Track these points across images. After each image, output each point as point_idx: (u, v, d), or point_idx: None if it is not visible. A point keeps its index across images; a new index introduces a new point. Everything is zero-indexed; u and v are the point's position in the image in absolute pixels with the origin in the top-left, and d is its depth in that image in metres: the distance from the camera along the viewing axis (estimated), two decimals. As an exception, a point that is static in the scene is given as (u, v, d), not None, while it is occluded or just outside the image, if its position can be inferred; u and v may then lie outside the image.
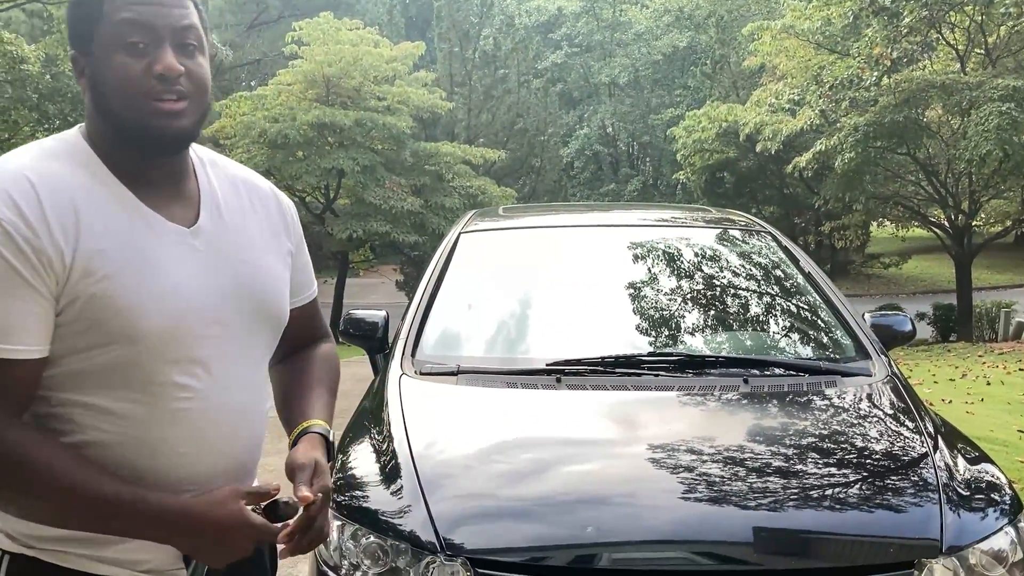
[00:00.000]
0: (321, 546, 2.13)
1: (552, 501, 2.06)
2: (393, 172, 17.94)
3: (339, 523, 2.09)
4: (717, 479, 2.10)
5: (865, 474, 2.20)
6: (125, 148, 1.30)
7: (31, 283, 1.17)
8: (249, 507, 1.28)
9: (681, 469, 2.16)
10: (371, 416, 2.56)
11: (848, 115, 14.38)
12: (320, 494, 1.37)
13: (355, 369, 10.26)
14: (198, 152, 1.42)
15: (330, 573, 2.04)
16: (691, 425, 2.41)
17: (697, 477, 2.12)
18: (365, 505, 2.13)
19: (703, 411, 2.51)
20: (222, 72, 32.96)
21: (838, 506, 2.04)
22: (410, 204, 17.33)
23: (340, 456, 2.37)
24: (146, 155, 1.32)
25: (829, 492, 2.08)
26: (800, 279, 3.21)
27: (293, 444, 1.49)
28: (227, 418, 1.36)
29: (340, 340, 3.41)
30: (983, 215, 17.61)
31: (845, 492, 2.09)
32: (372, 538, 2.02)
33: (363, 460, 2.32)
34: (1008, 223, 18.39)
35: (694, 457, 2.22)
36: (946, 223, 16.93)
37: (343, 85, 17.66)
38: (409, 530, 1.98)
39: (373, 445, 2.37)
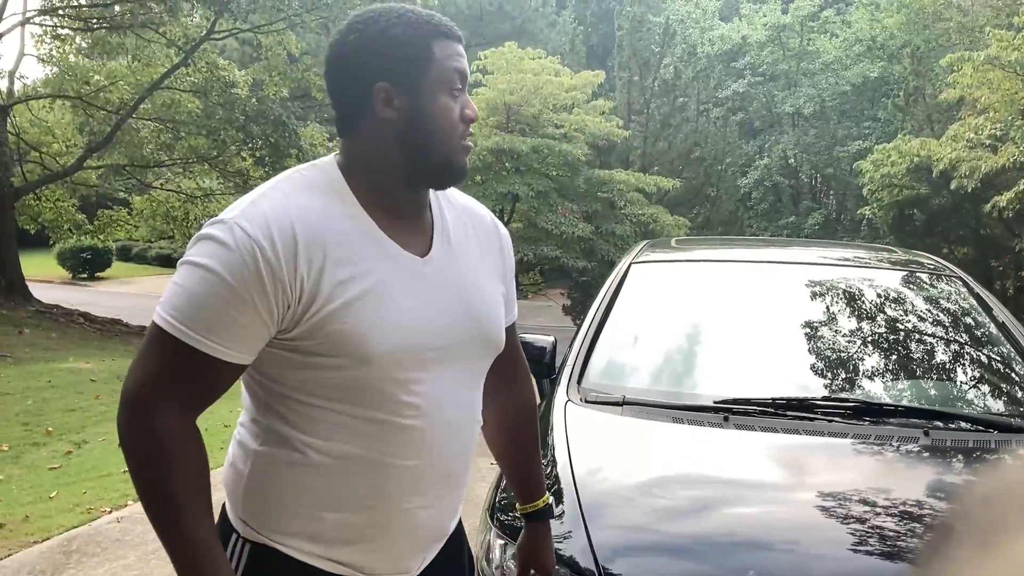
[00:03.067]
0: (484, 562, 2.21)
1: (714, 541, 2.04)
2: (566, 198, 18.17)
3: (501, 542, 2.16)
4: (890, 534, 2.02)
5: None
6: (394, 182, 1.42)
7: (257, 306, 1.28)
8: None
9: (851, 520, 2.09)
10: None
11: (1058, 152, 13.31)
12: None
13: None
14: None
15: (492, 591, 2.11)
16: (864, 475, 2.31)
17: (868, 530, 2.04)
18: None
19: (878, 462, 2.41)
20: (409, 98, 34.40)
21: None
22: (581, 230, 17.48)
23: (501, 484, 2.44)
24: (422, 188, 1.46)
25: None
26: (992, 328, 3.02)
27: (528, 514, 1.87)
28: (447, 434, 1.45)
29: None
30: None
31: None
32: (533, 559, 2.07)
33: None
34: None
35: (865, 508, 2.13)
36: None
37: (523, 112, 18.10)
38: (569, 555, 2.02)
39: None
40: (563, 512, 2.15)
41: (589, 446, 2.46)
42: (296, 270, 1.29)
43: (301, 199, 1.34)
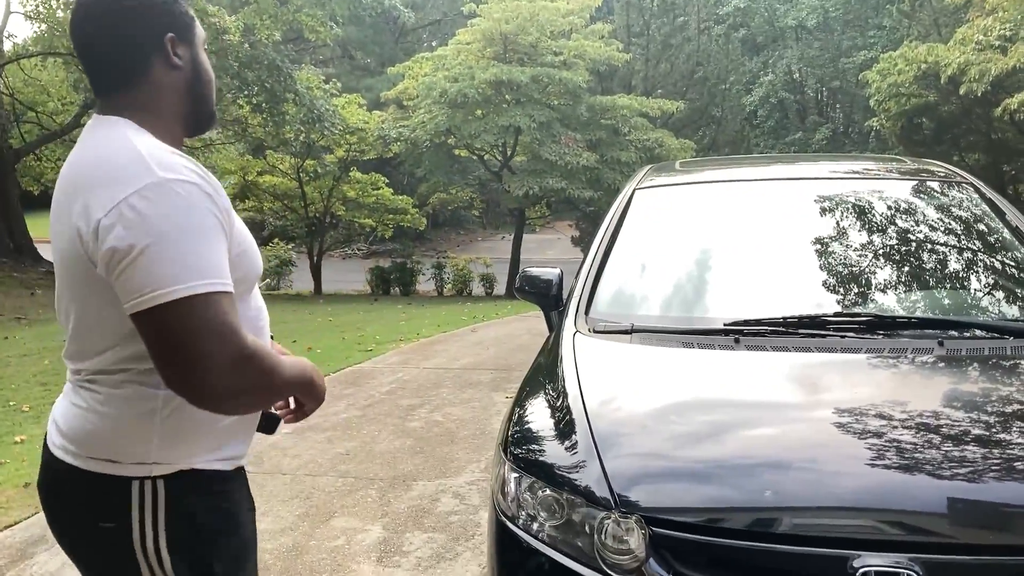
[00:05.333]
0: (499, 495, 2.21)
1: (730, 464, 2.02)
2: (569, 127, 17.96)
3: (516, 475, 2.15)
4: (908, 446, 1.99)
5: (1078, 446, 2.01)
6: (179, 129, 1.59)
7: (225, 233, 1.44)
8: None
9: (868, 435, 2.06)
10: (546, 372, 2.60)
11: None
12: None
13: (531, 324, 10.46)
14: None
15: (508, 523, 2.11)
16: (880, 389, 2.28)
17: (886, 443, 2.01)
18: (541, 459, 2.17)
19: (893, 375, 2.37)
20: (404, 34, 33.90)
21: None
22: (585, 159, 17.31)
23: (516, 409, 2.43)
24: (189, 135, 1.62)
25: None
26: (1006, 233, 2.95)
27: None
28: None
29: (516, 296, 3.48)
30: None
31: None
32: (548, 491, 2.06)
33: (538, 415, 2.36)
34: None
35: (883, 423, 2.10)
36: None
37: (520, 42, 17.78)
38: (584, 485, 2.01)
39: (548, 400, 2.41)
40: (576, 443, 2.14)
41: (599, 376, 2.44)
42: (223, 198, 1.46)
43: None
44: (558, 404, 2.35)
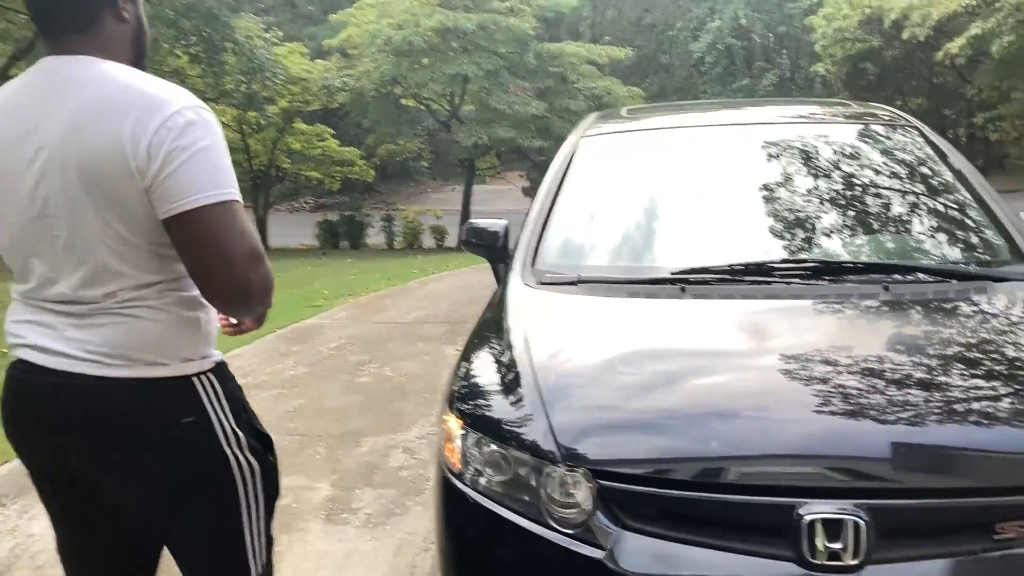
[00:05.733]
0: (445, 451, 2.18)
1: (677, 414, 2.00)
2: (517, 76, 17.76)
3: (462, 432, 2.11)
4: (854, 392, 1.99)
5: (1016, 387, 2.03)
6: None
7: None
8: None
9: (815, 381, 2.05)
10: (492, 326, 2.56)
11: (1010, -8, 13.13)
12: None
13: (482, 276, 10.41)
14: None
15: (454, 480, 2.07)
16: (825, 335, 2.28)
17: (832, 390, 2.01)
18: (487, 414, 2.13)
19: (839, 320, 2.37)
20: (348, -20, 33.03)
21: (987, 421, 1.90)
22: (534, 108, 17.16)
23: (463, 364, 2.38)
24: None
25: (976, 407, 1.94)
26: (949, 176, 2.96)
27: None
28: None
29: (462, 249, 3.42)
30: None
31: (995, 406, 1.94)
32: (494, 447, 2.03)
33: (485, 370, 2.32)
34: None
35: (829, 369, 2.10)
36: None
37: (465, -13, 17.44)
38: (530, 440, 1.98)
39: (494, 355, 2.36)
40: (522, 397, 2.10)
41: (545, 328, 2.40)
42: None
43: None
44: (504, 358, 2.31)
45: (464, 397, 2.23)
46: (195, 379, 1.63)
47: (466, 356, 2.44)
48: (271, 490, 1.78)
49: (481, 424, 2.10)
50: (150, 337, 1.59)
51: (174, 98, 1.51)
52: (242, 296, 1.55)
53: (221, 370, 1.69)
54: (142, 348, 1.58)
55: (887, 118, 3.41)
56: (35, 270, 1.60)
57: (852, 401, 1.96)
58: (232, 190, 1.52)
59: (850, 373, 2.07)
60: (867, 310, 2.36)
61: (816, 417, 1.93)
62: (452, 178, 24.27)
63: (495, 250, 3.21)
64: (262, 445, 1.73)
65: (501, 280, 2.99)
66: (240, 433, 1.67)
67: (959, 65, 16.92)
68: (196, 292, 1.59)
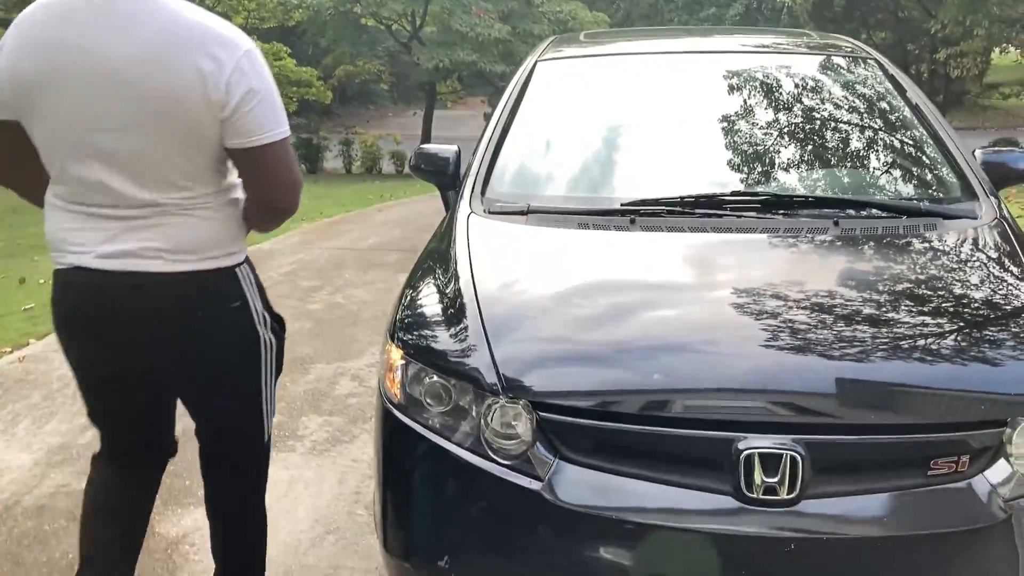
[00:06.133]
0: (386, 382, 2.14)
1: (620, 347, 1.97)
2: (480, -3, 17.30)
3: (403, 362, 2.07)
4: (799, 327, 1.98)
5: (961, 324, 2.03)
6: None
7: None
8: None
9: (760, 316, 2.03)
10: (438, 255, 2.49)
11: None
12: None
13: (440, 204, 10.26)
14: None
15: (394, 410, 2.03)
16: (774, 270, 2.26)
17: (777, 324, 2.00)
18: (429, 345, 2.09)
19: (788, 255, 2.35)
20: None
21: (929, 358, 1.90)
22: (497, 31, 16.79)
23: (407, 292, 2.33)
24: None
25: (921, 343, 1.93)
26: (906, 112, 2.92)
27: None
28: None
29: (411, 174, 3.33)
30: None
31: (938, 343, 1.94)
32: (435, 378, 1.99)
33: (428, 299, 2.27)
34: None
35: (775, 304, 2.08)
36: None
37: (427, -98, 16.84)
38: (472, 372, 1.94)
39: (438, 285, 2.31)
40: (465, 328, 2.06)
41: (492, 259, 2.34)
42: None
43: None
44: (448, 288, 2.25)
45: (407, 327, 2.19)
46: (237, 270, 1.95)
47: (410, 284, 2.38)
48: (280, 361, 2.13)
49: (423, 354, 2.06)
50: (205, 235, 1.86)
51: (239, 38, 1.75)
52: (283, 214, 1.95)
53: (249, 262, 2.02)
54: (199, 245, 1.85)
55: (848, 49, 3.34)
56: (83, 174, 1.76)
57: (797, 336, 1.95)
58: (287, 127, 1.82)
59: (796, 308, 2.06)
60: (817, 245, 2.34)
61: (760, 351, 1.92)
62: (413, 102, 23.81)
63: (445, 176, 3.12)
64: (278, 325, 2.09)
65: (450, 208, 2.92)
66: (266, 314, 2.03)
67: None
68: (239, 195, 1.92)
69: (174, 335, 1.89)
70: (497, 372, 1.91)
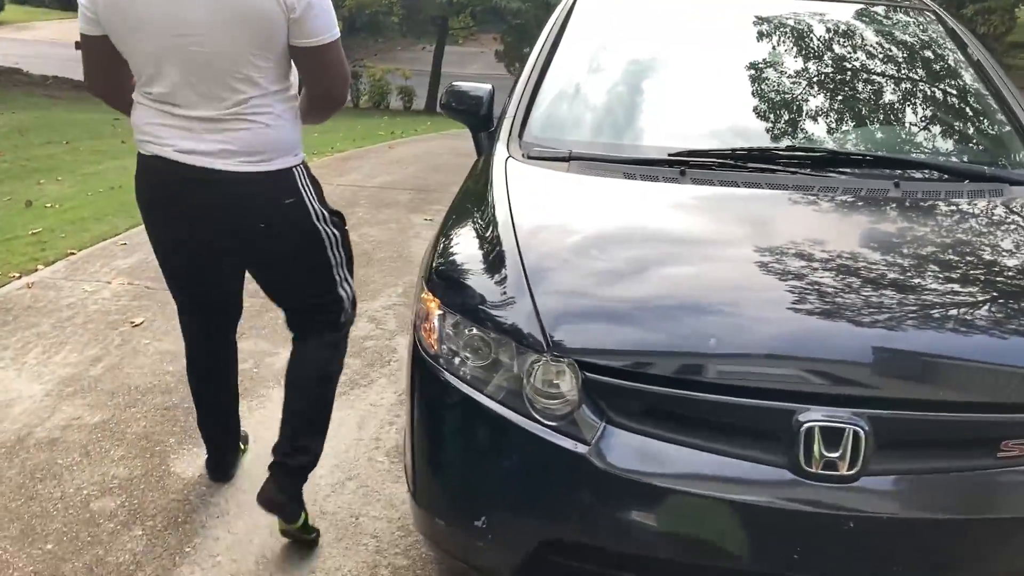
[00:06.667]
0: (421, 331, 2.05)
1: (675, 306, 1.87)
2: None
3: (440, 312, 1.98)
4: (866, 296, 1.87)
5: (1027, 298, 1.93)
6: None
7: None
8: None
9: (825, 281, 1.92)
10: (475, 200, 2.38)
11: None
12: None
13: (452, 143, 10.09)
14: None
15: (430, 361, 1.94)
16: (834, 232, 2.12)
17: (843, 291, 1.88)
18: (468, 295, 1.99)
19: (848, 216, 2.22)
20: None
21: (1004, 335, 1.77)
22: (515, -34, 16.32)
23: (442, 239, 2.22)
24: None
25: (993, 318, 1.81)
26: (968, 69, 2.78)
27: None
28: None
29: (437, 111, 3.19)
30: None
31: (1012, 320, 1.81)
32: (474, 330, 1.90)
33: (466, 246, 2.16)
34: None
35: (840, 269, 1.97)
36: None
37: None
38: (513, 325, 1.84)
39: (476, 231, 2.20)
40: (506, 278, 1.96)
41: (533, 206, 2.23)
42: None
43: None
44: (487, 235, 2.14)
45: (443, 275, 2.09)
46: (294, 170, 2.24)
47: (445, 230, 2.28)
48: (348, 250, 2.45)
49: (461, 305, 1.96)
50: (269, 138, 2.16)
51: None
52: (337, 103, 2.30)
53: (306, 164, 2.31)
54: (264, 147, 2.16)
55: (907, 1, 3.18)
56: (168, 77, 2.08)
57: (863, 305, 1.84)
58: (338, 28, 2.15)
59: (861, 275, 1.95)
60: (878, 207, 2.22)
61: (824, 320, 1.82)
62: (424, 36, 23.30)
63: (477, 117, 2.98)
64: (338, 219, 2.41)
65: (483, 151, 2.79)
66: (323, 211, 2.32)
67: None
68: (295, 103, 2.24)
69: (236, 222, 2.22)
70: (541, 326, 1.81)
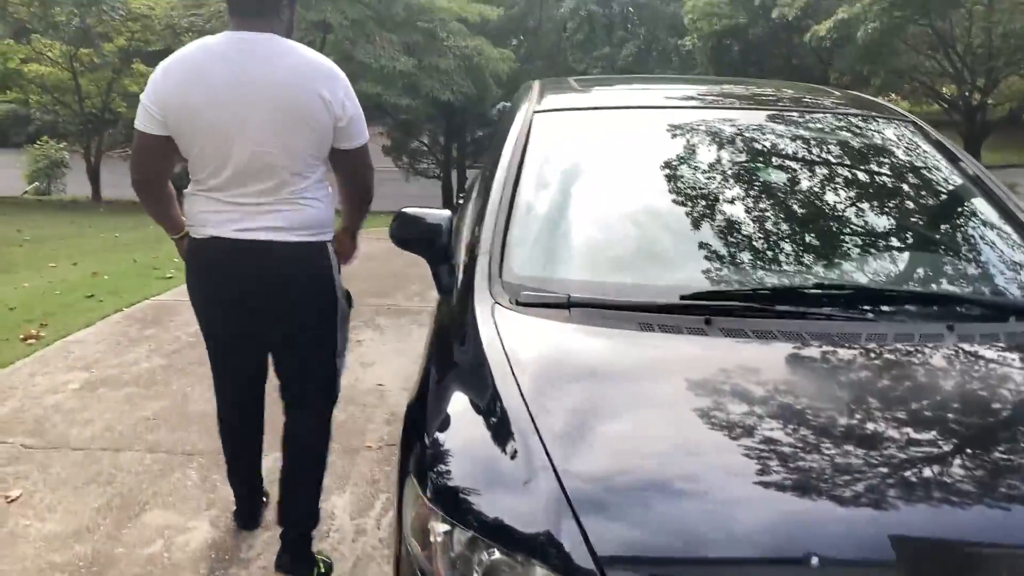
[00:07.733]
0: (419, 554, 1.58)
1: (755, 519, 1.47)
2: (384, 28, 16.71)
3: (446, 526, 1.52)
4: (951, 477, 1.53)
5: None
6: None
7: None
8: None
9: (904, 457, 1.58)
10: (467, 371, 1.92)
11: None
12: None
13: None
14: None
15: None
16: (898, 397, 1.76)
17: (935, 480, 1.54)
18: (483, 506, 1.54)
19: (909, 373, 1.86)
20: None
21: None
22: (403, 64, 16.21)
23: (432, 425, 1.77)
24: None
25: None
26: (969, 186, 2.56)
27: None
28: None
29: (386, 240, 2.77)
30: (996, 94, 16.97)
31: None
32: (498, 554, 1.46)
33: (469, 437, 1.69)
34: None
35: (907, 440, 1.63)
36: (960, 100, 16.29)
37: (330, -72, 16.20)
38: (554, 550, 1.41)
39: (479, 412, 1.75)
40: (530, 480, 1.52)
41: (544, 377, 1.78)
42: None
43: None
44: (494, 421, 1.70)
45: (443, 475, 1.63)
46: (327, 244, 2.58)
47: (434, 411, 1.82)
48: (346, 336, 2.75)
49: (475, 518, 1.52)
50: (312, 216, 2.50)
51: (340, 73, 2.46)
52: (369, 194, 2.71)
53: (332, 243, 2.63)
54: (309, 224, 2.49)
55: (883, 111, 2.98)
56: (227, 172, 2.40)
57: (954, 492, 1.50)
58: (367, 132, 2.58)
59: (947, 456, 1.61)
60: (937, 357, 1.90)
61: (913, 518, 1.46)
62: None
63: (436, 249, 2.56)
64: (348, 297, 2.73)
65: (450, 291, 2.36)
66: (341, 285, 2.67)
67: (821, 48, 17.25)
68: (329, 189, 2.58)
69: (283, 286, 2.51)
70: (592, 553, 1.39)
